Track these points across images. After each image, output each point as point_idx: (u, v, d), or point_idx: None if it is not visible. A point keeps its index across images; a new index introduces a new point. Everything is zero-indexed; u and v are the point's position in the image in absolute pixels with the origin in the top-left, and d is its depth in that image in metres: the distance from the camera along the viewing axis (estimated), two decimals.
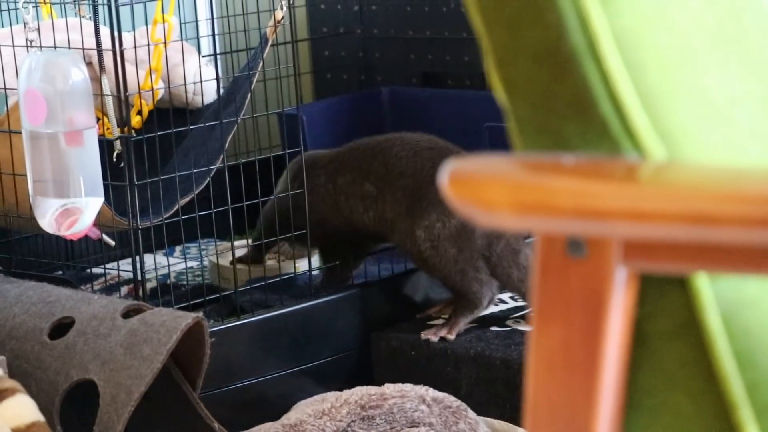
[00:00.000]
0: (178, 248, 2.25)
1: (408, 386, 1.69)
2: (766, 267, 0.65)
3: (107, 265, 2.04)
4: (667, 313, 0.71)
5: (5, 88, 1.90)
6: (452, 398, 1.70)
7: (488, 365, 1.80)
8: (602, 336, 0.68)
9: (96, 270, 2.10)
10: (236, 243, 1.96)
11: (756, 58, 0.76)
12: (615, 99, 0.69)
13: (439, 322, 1.92)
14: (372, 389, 1.69)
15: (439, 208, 1.82)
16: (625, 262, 0.67)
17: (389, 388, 1.69)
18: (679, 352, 0.70)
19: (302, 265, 2.01)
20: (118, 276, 2.06)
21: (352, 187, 1.90)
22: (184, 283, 2.09)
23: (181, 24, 2.00)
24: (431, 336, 1.86)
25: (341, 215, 1.92)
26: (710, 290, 0.70)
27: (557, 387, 0.69)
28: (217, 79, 1.97)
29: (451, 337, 1.85)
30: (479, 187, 0.67)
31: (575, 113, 0.70)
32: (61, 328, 1.64)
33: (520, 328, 1.89)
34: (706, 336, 0.70)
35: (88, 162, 1.68)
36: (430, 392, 1.69)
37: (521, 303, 1.97)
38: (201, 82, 1.96)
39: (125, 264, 1.93)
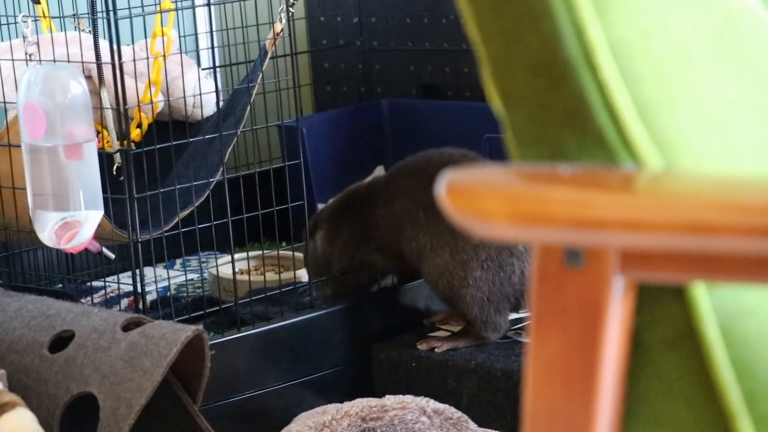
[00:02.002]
0: (178, 261, 2.25)
1: (409, 398, 1.69)
2: (764, 276, 0.65)
3: (107, 278, 2.04)
4: (664, 323, 0.70)
5: (5, 102, 1.90)
6: (453, 410, 1.69)
7: (489, 376, 1.79)
8: (600, 346, 0.68)
9: (96, 283, 2.10)
10: (236, 255, 1.96)
11: (752, 67, 0.76)
12: (611, 109, 0.69)
13: (441, 333, 1.92)
14: (373, 401, 1.69)
15: (481, 252, 1.82)
16: (623, 272, 0.67)
17: (390, 400, 1.68)
18: (677, 362, 0.70)
19: (304, 276, 2.01)
20: (118, 289, 2.06)
21: (406, 214, 1.88)
22: (184, 295, 2.08)
23: (180, 37, 2.00)
24: (424, 346, 1.87)
25: (394, 240, 1.89)
26: (708, 299, 0.70)
27: (555, 397, 0.69)
28: (217, 91, 1.97)
29: (439, 350, 1.86)
30: (476, 197, 0.67)
31: (571, 123, 0.70)
32: (61, 341, 1.64)
33: (521, 339, 1.89)
34: (704, 345, 0.70)
35: (87, 175, 1.68)
36: (431, 404, 1.69)
37: (521, 315, 1.97)
38: (200, 94, 1.96)
39: (125, 277, 1.93)
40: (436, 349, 1.87)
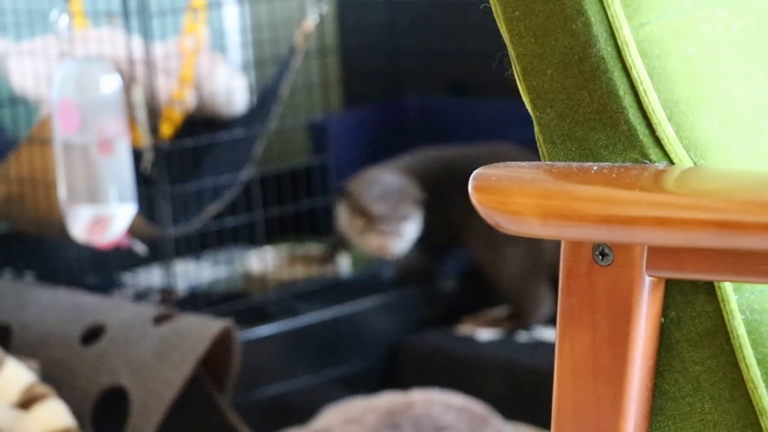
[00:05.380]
0: (208, 255, 2.27)
1: (435, 393, 1.70)
2: None
3: (138, 272, 2.06)
4: (692, 320, 0.71)
5: (39, 99, 1.92)
6: (479, 405, 1.70)
7: (515, 372, 1.80)
8: (628, 342, 0.68)
9: (127, 277, 2.12)
10: (266, 250, 1.97)
11: None
12: (642, 108, 0.70)
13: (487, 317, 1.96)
14: (399, 396, 1.70)
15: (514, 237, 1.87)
16: (651, 269, 0.68)
17: (416, 395, 1.69)
18: (705, 359, 0.71)
19: (332, 271, 2.03)
20: (149, 283, 2.07)
21: (439, 215, 1.94)
22: (214, 290, 2.10)
23: (211, 34, 2.01)
24: (469, 329, 1.90)
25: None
26: (734, 297, 0.70)
27: (583, 393, 0.70)
28: (247, 89, 1.99)
29: (482, 335, 1.88)
30: (506, 194, 0.68)
31: (602, 122, 0.71)
32: (93, 334, 1.66)
33: (548, 335, 1.90)
34: (734, 342, 0.70)
35: (119, 170, 1.69)
36: (457, 399, 1.70)
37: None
38: (231, 92, 1.98)
39: (156, 271, 1.95)
40: (478, 334, 1.90)
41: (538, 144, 0.76)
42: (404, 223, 1.91)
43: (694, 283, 0.70)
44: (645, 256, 0.68)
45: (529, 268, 1.89)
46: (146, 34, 1.79)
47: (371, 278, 2.06)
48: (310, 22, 1.91)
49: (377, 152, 2.37)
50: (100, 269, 2.14)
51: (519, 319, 1.91)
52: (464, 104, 2.36)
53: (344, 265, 2.06)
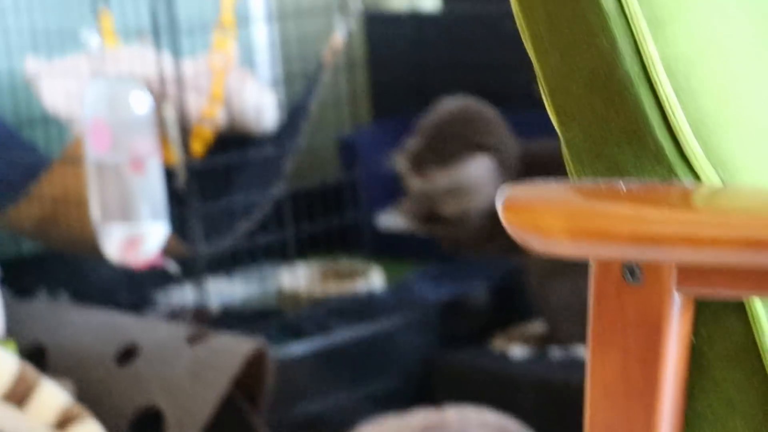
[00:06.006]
0: (240, 273, 2.27)
1: (469, 410, 1.70)
2: None
3: (171, 291, 2.07)
4: (724, 338, 0.70)
5: (70, 118, 1.94)
6: (513, 422, 1.69)
7: (549, 389, 1.79)
8: (659, 362, 0.68)
9: (160, 296, 2.13)
10: (298, 267, 1.98)
11: None
12: (669, 126, 0.70)
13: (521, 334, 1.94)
14: (434, 413, 1.69)
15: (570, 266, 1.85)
16: (681, 288, 0.68)
17: (451, 412, 1.69)
18: (736, 377, 0.70)
19: (364, 287, 2.03)
20: (182, 301, 2.08)
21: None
22: (247, 307, 2.11)
23: (240, 51, 2.02)
24: (503, 345, 1.88)
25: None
26: (765, 314, 0.70)
27: (615, 413, 0.69)
28: (276, 106, 1.99)
29: (515, 352, 1.86)
30: (535, 213, 0.68)
31: (629, 140, 0.71)
32: (127, 354, 1.67)
33: (582, 352, 1.89)
34: (765, 360, 0.69)
35: (151, 189, 1.70)
36: (492, 416, 1.69)
37: None
38: (260, 109, 1.99)
39: (188, 289, 1.96)
40: (511, 350, 1.88)
41: (565, 161, 0.75)
42: (439, 169, 1.83)
43: (724, 301, 0.70)
44: (675, 274, 0.67)
45: (576, 298, 1.84)
46: (176, 52, 1.80)
47: (404, 294, 2.06)
48: (338, 37, 1.92)
49: None
50: (133, 288, 2.15)
51: (553, 336, 1.89)
52: None
53: (377, 280, 2.06)
